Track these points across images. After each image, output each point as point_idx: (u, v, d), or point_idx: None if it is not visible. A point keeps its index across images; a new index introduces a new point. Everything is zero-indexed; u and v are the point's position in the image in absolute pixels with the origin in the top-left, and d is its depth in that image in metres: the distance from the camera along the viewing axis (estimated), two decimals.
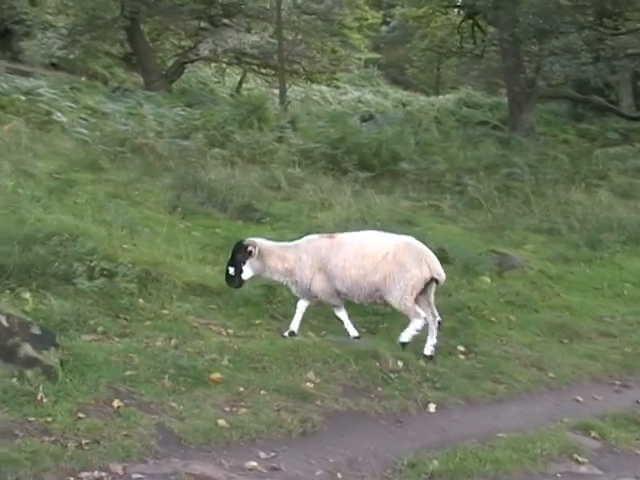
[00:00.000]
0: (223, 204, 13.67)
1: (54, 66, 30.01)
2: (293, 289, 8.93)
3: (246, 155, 17.57)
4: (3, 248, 8.59)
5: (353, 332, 8.83)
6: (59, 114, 18.21)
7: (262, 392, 7.18)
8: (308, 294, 8.79)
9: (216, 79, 36.49)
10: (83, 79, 28.24)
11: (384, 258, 8.53)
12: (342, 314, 8.90)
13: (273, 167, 16.87)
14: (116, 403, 6.51)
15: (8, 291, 8.06)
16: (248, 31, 33.80)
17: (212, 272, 10.01)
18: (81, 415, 6.22)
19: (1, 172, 12.57)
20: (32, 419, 6.03)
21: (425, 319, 8.49)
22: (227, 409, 6.82)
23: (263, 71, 35.22)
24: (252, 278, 8.88)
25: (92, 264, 8.83)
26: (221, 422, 6.53)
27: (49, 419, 6.06)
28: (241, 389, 7.19)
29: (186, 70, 33.25)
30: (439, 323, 8.63)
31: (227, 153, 17.12)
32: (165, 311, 8.73)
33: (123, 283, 8.71)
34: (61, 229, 9.34)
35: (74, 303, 8.07)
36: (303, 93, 37.58)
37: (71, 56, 30.61)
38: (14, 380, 6.40)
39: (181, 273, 9.58)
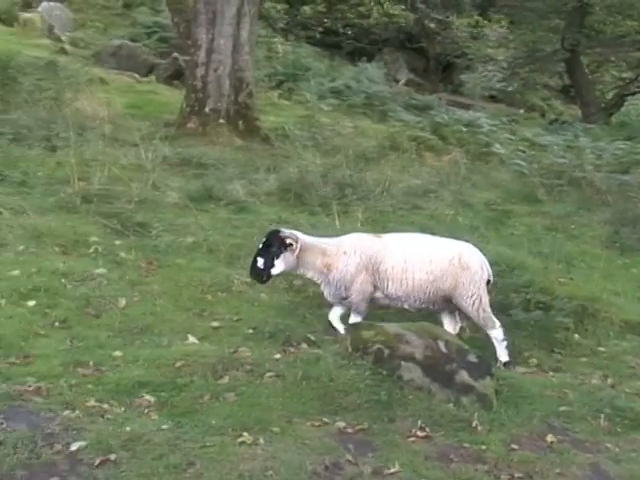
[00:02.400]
0: None
1: (493, 98, 30.60)
2: (325, 291, 8.00)
3: None
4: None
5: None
6: (498, 146, 18.46)
7: None
8: (341, 294, 7.89)
9: None
10: (521, 111, 28.51)
11: (450, 263, 7.86)
12: (336, 315, 7.98)
13: None
14: (550, 438, 6.41)
15: None
16: None
17: None
18: (514, 446, 6.20)
19: (441, 201, 13.03)
20: (467, 445, 6.12)
21: (501, 326, 7.92)
22: None
23: None
24: (281, 274, 8.02)
25: (528, 296, 8.85)
26: None
27: (483, 447, 6.12)
28: None
29: (626, 102, 32.35)
30: (461, 328, 8.13)
31: None
32: (601, 348, 8.51)
33: (559, 317, 8.63)
34: (498, 260, 9.42)
35: (509, 334, 8.09)
36: None
37: (510, 88, 30.99)
38: (450, 405, 6.56)
39: (618, 310, 9.27)
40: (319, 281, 7.95)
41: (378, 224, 10.81)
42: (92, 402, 6.05)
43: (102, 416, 5.87)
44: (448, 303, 7.95)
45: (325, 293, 7.99)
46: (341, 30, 31.52)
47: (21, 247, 9.02)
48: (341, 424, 6.18)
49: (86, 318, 7.66)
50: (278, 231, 7.82)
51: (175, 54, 21.57)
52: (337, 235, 8.28)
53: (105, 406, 6.03)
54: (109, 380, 6.42)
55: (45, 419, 5.70)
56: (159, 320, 7.59)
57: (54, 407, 5.88)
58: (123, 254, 9.24)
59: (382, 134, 17.38)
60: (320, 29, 31.13)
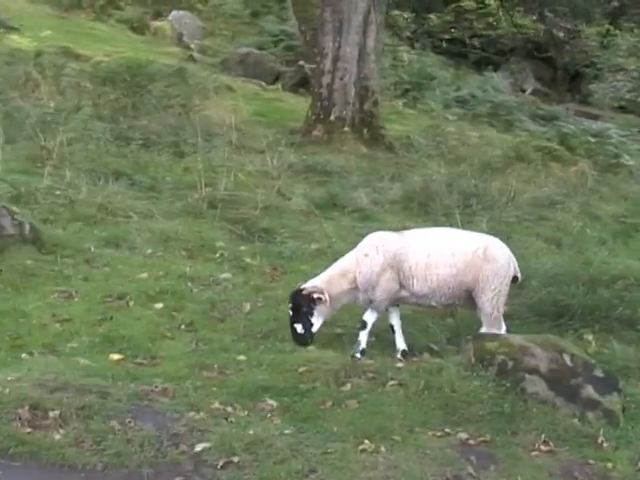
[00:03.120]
0: None
1: (622, 109, 29.88)
2: (363, 300, 7.62)
3: None
4: (568, 288, 8.67)
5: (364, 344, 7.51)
6: (627, 157, 18.03)
7: None
8: (368, 296, 7.53)
9: None
10: None
11: (474, 254, 7.48)
12: (372, 319, 7.52)
13: None
14: None
15: (571, 331, 8.13)
16: None
17: None
18: None
19: (568, 212, 12.80)
20: (592, 462, 5.97)
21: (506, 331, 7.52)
22: None
23: None
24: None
25: None
26: None
27: (609, 465, 5.96)
28: None
29: None
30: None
31: None
32: None
33: None
34: (626, 273, 9.19)
35: (637, 349, 7.88)
36: None
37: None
38: (575, 420, 6.41)
39: None
40: (357, 301, 7.67)
41: (502, 235, 10.63)
42: (216, 404, 6.14)
43: (226, 419, 5.95)
44: (471, 299, 7.65)
45: (360, 299, 7.68)
46: (468, 40, 31.28)
47: (149, 250, 9.24)
48: (463, 435, 6.12)
49: (211, 322, 7.79)
50: (301, 290, 7.51)
51: (301, 62, 21.78)
52: None
53: (229, 409, 6.11)
54: (233, 383, 6.51)
55: (171, 419, 5.81)
56: (283, 326, 7.64)
57: (179, 408, 5.99)
58: (248, 259, 9.37)
59: (507, 144, 17.18)
60: (446, 38, 30.97)
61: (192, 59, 21.63)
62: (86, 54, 18.11)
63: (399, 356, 7.44)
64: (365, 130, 16.09)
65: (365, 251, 7.56)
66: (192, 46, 23.91)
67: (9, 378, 5.89)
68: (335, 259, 9.52)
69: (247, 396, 6.34)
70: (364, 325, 7.50)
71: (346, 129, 15.95)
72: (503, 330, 7.56)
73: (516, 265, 7.73)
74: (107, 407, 5.72)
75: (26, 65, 15.17)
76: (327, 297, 7.40)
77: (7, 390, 5.69)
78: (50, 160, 11.42)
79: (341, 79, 16.07)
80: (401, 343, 7.57)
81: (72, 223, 9.60)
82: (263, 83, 21.23)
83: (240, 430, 5.76)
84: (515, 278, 7.75)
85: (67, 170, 11.04)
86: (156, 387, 6.27)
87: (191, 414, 5.93)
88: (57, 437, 5.38)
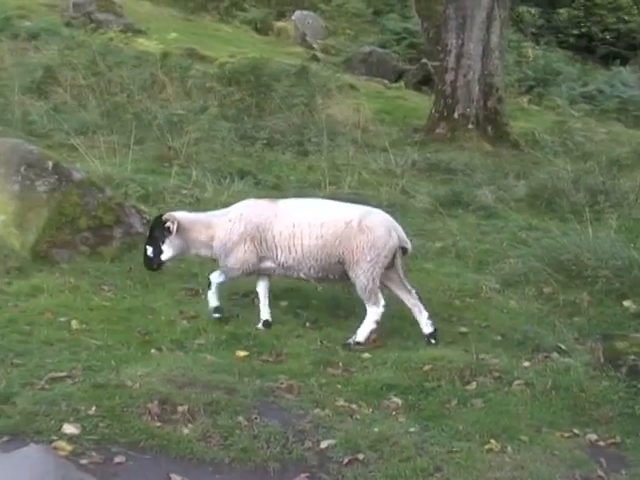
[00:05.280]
0: None
1: None
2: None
3: None
4: None
5: (213, 302, 7.46)
6: None
7: None
8: (222, 261, 7.45)
9: None
10: None
11: (348, 226, 7.23)
12: (220, 282, 7.43)
13: None
14: None
15: None
16: None
17: None
18: None
19: None
20: None
21: (385, 307, 7.30)
22: None
23: None
24: (174, 258, 7.64)
25: None
26: None
27: None
28: None
29: None
30: (418, 294, 7.47)
31: None
32: None
33: None
34: None
35: None
36: None
37: None
38: None
39: None
40: (213, 257, 7.60)
41: (633, 232, 10.41)
42: (341, 402, 6.15)
43: (351, 416, 5.96)
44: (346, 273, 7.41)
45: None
46: (600, 35, 30.55)
47: None
48: (592, 436, 5.99)
49: (336, 319, 7.80)
50: (160, 216, 7.57)
51: (424, 60, 21.69)
52: None
53: (354, 406, 6.11)
54: (358, 381, 6.51)
55: (296, 416, 5.84)
56: (407, 323, 7.61)
57: (305, 405, 6.02)
58: None
59: (637, 140, 16.71)
60: (575, 33, 30.32)
61: (315, 58, 21.78)
62: (211, 55, 18.44)
63: (260, 326, 7.41)
64: (489, 127, 15.95)
65: (230, 217, 7.50)
66: (315, 46, 24.08)
67: (139, 373, 6.02)
68: (459, 257, 9.52)
69: (372, 394, 6.33)
70: (209, 284, 7.48)
71: (470, 126, 15.84)
72: (381, 304, 7.33)
73: (403, 236, 7.54)
74: (234, 403, 5.79)
75: (153, 67, 15.50)
76: (174, 228, 7.34)
77: (137, 385, 5.82)
78: (177, 160, 11.67)
79: (465, 76, 15.95)
80: (266, 314, 7.51)
81: None
82: (386, 81, 21.25)
83: (365, 427, 5.75)
84: (404, 249, 7.57)
85: (193, 169, 11.24)
86: (281, 384, 6.32)
87: (316, 411, 5.95)
88: (185, 431, 5.47)
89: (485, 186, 12.43)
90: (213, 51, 19.15)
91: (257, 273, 7.58)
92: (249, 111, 14.75)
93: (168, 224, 7.39)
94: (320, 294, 8.27)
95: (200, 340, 7.02)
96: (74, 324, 7.07)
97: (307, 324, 7.64)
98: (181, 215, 7.55)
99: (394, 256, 7.42)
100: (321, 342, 7.24)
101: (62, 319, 7.15)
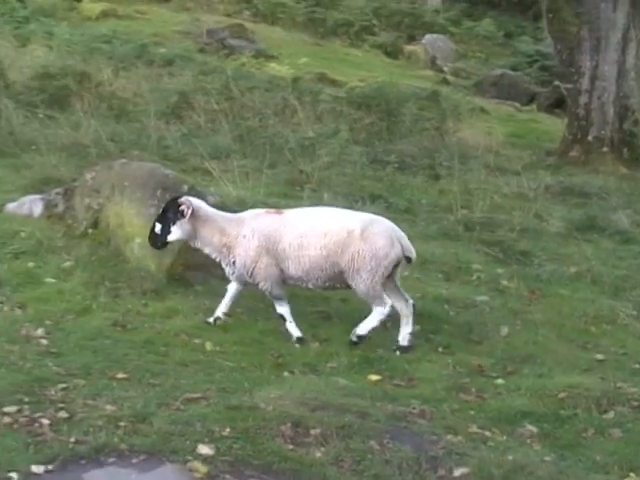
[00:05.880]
0: None
1: None
2: (227, 270, 7.58)
3: None
4: None
5: (296, 332, 7.44)
6: None
7: None
8: (247, 280, 7.51)
9: None
10: None
11: (350, 235, 7.20)
12: (285, 310, 7.46)
13: None
14: None
15: None
16: None
17: None
18: None
19: None
20: None
21: (392, 307, 7.33)
22: None
23: None
24: (178, 241, 7.67)
25: None
26: None
27: None
28: None
29: None
30: (414, 307, 7.48)
31: None
32: None
33: None
34: None
35: None
36: None
37: None
38: None
39: None
40: (217, 260, 7.61)
41: None
42: (474, 428, 6.06)
43: (484, 443, 5.86)
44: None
45: (227, 272, 7.63)
46: None
47: (406, 272, 9.26)
48: None
49: (468, 345, 7.72)
50: (177, 197, 7.64)
51: (557, 82, 21.33)
52: None
53: (487, 433, 6.01)
54: (491, 407, 6.41)
55: (429, 442, 5.78)
56: (541, 350, 7.48)
57: (437, 431, 5.95)
58: (505, 282, 9.24)
59: None
60: None
61: (445, 82, 21.75)
62: (341, 80, 18.59)
63: (210, 320, 7.57)
64: (625, 150, 15.60)
65: (244, 233, 7.47)
66: (445, 69, 24.02)
67: (272, 395, 6.05)
68: (595, 282, 9.31)
69: (505, 421, 6.22)
70: (283, 319, 7.51)
71: (605, 149, 15.53)
72: (388, 305, 7.34)
73: (408, 245, 7.51)
74: (366, 427, 5.76)
75: (284, 92, 15.70)
76: (188, 214, 7.38)
77: (270, 407, 5.85)
78: (308, 184, 11.75)
79: (599, 98, 15.66)
80: (223, 307, 7.63)
81: None
82: (517, 104, 21.03)
83: (499, 455, 5.64)
84: (408, 258, 7.55)
85: (325, 193, 11.31)
86: (414, 409, 6.26)
87: (449, 437, 5.87)
88: (318, 455, 5.46)
89: (621, 210, 12.14)
90: (343, 75, 19.30)
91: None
92: (380, 135, 14.80)
93: (183, 207, 7.45)
94: (452, 319, 8.20)
95: (332, 363, 7.03)
96: (208, 346, 7.18)
97: (439, 349, 7.58)
98: (199, 205, 7.61)
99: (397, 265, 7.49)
100: (453, 367, 7.17)
101: (197, 341, 7.28)
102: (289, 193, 11.56)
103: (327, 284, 7.55)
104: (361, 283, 7.33)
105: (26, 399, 5.74)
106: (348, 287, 7.56)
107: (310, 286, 7.58)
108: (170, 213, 7.52)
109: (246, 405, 5.88)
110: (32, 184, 10.24)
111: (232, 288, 7.70)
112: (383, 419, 5.93)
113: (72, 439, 5.26)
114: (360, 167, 12.80)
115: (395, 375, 6.95)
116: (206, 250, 7.65)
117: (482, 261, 9.85)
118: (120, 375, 6.35)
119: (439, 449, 5.69)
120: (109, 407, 5.72)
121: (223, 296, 7.74)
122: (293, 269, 7.40)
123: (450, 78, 22.74)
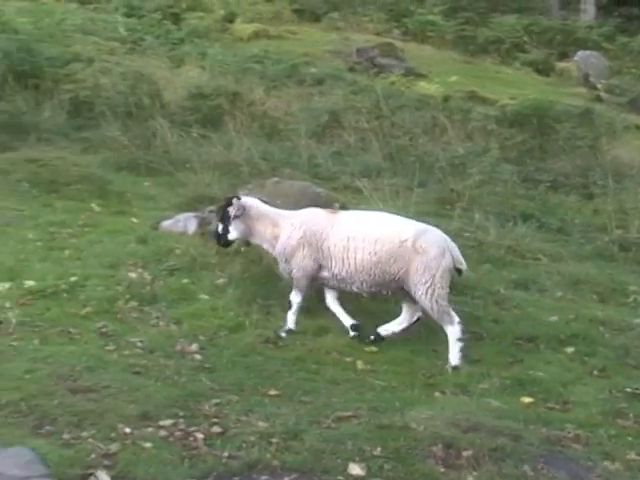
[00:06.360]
0: None
1: None
2: (280, 265, 7.82)
3: None
4: None
5: (291, 324, 7.72)
6: None
7: None
8: (285, 268, 7.72)
9: None
10: None
11: (402, 245, 7.24)
12: (297, 301, 7.67)
13: None
14: None
15: None
16: None
17: None
18: None
19: None
20: None
21: (460, 323, 7.28)
22: None
23: None
24: (241, 240, 8.02)
25: None
26: None
27: None
28: None
29: None
30: (417, 320, 7.58)
31: None
32: None
33: None
34: None
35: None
36: None
37: None
38: None
39: None
40: (273, 254, 7.86)
41: None
42: (632, 455, 5.89)
43: None
44: (402, 289, 7.44)
45: (280, 268, 7.86)
46: None
47: (559, 293, 9.11)
48: None
49: (625, 368, 7.49)
50: (232, 197, 7.88)
51: None
52: None
53: None
54: None
55: (584, 468, 5.64)
56: None
57: (593, 457, 5.80)
58: None
59: None
60: None
61: (599, 99, 21.25)
62: (492, 98, 18.42)
63: (352, 334, 7.64)
64: None
65: (293, 221, 7.71)
66: (599, 86, 23.44)
67: (423, 416, 6.02)
68: None
69: None
70: (290, 305, 7.68)
71: None
72: (456, 322, 7.28)
73: (458, 257, 7.45)
74: (519, 451, 5.65)
75: (434, 110, 15.65)
76: (233, 214, 7.68)
77: (422, 427, 5.82)
78: (459, 202, 11.65)
79: None
80: (347, 320, 7.71)
81: (481, 265, 9.66)
82: None
83: None
84: (459, 270, 7.50)
85: (476, 212, 11.18)
86: (568, 433, 6.13)
87: (605, 463, 5.73)
88: (469, 478, 5.39)
89: None
90: (494, 93, 19.10)
91: (316, 281, 7.77)
92: (531, 153, 14.57)
93: (229, 209, 7.77)
94: (608, 341, 7.98)
95: (484, 385, 6.94)
96: (359, 364, 7.21)
97: (594, 372, 7.40)
98: (251, 203, 7.87)
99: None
100: (610, 391, 6.98)
101: (348, 359, 7.31)
102: (439, 212, 11.49)
103: (373, 289, 7.66)
104: (423, 297, 7.35)
105: (181, 413, 5.88)
106: (394, 295, 7.74)
107: (355, 289, 7.67)
108: (225, 213, 7.88)
109: (397, 425, 5.88)
110: (186, 202, 10.52)
111: (331, 301, 7.85)
112: (537, 443, 5.82)
113: (225, 454, 5.36)
114: (511, 186, 12.60)
115: (549, 398, 6.81)
116: (264, 245, 7.96)
117: (639, 282, 9.55)
118: (272, 392, 6.44)
119: (595, 477, 5.57)
120: (261, 423, 5.80)
121: (375, 314, 7.77)
122: (337, 269, 7.57)
123: (604, 95, 22.18)
